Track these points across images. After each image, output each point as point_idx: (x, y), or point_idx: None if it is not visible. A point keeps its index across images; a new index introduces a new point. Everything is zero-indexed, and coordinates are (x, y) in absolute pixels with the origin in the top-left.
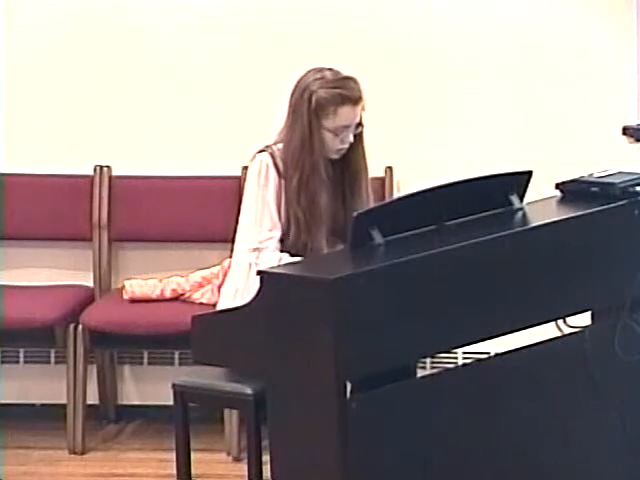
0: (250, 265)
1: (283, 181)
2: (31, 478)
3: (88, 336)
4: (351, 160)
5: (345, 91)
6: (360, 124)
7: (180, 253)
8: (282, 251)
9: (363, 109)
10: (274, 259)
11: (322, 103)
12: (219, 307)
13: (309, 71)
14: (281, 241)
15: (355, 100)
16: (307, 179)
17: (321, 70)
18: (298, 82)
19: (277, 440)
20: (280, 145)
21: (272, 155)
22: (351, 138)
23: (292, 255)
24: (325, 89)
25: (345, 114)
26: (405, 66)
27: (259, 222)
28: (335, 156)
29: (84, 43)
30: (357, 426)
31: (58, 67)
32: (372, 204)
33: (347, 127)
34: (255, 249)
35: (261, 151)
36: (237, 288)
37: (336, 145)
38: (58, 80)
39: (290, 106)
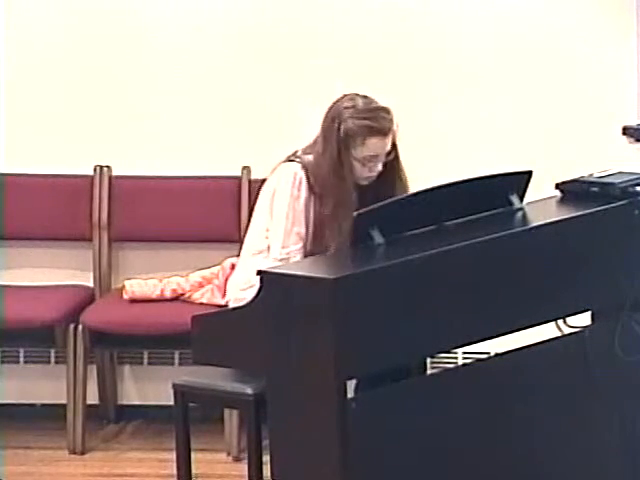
0: None
1: (313, 197)
2: (31, 478)
3: (88, 336)
4: (389, 184)
5: (374, 123)
6: (394, 149)
7: (180, 253)
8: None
9: (395, 138)
10: None
11: (350, 134)
12: (228, 297)
13: (343, 96)
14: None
15: (384, 132)
16: (343, 206)
17: (354, 98)
18: (331, 107)
19: (277, 440)
20: (310, 157)
21: (305, 169)
22: (379, 167)
23: None
24: (354, 119)
25: (373, 145)
26: (405, 66)
27: (287, 234)
28: (364, 182)
29: (84, 43)
30: (357, 426)
31: (58, 67)
32: None
33: (375, 157)
34: (282, 260)
35: (291, 160)
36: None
37: (364, 173)
38: (58, 80)
39: (322, 130)
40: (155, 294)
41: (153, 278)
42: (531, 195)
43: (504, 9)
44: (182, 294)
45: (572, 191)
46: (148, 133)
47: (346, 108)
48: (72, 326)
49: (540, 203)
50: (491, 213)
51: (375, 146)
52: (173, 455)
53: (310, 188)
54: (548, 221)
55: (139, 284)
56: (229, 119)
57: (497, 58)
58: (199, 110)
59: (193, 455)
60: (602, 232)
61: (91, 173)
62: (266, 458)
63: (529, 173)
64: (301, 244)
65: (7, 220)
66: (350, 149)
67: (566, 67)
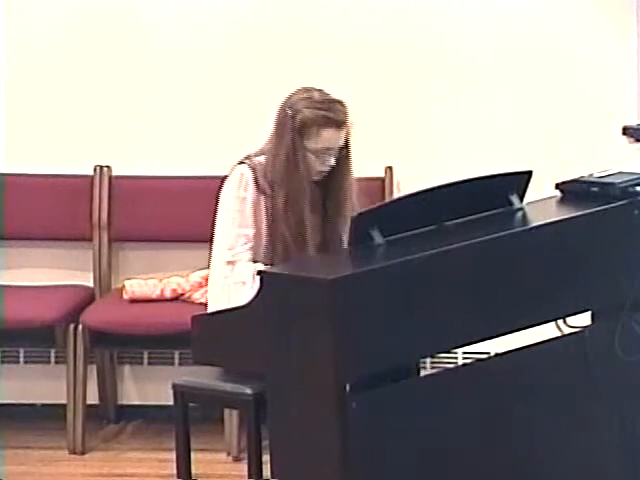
0: (226, 278)
1: (262, 197)
2: (31, 478)
3: (88, 336)
4: (337, 182)
5: (330, 113)
6: (346, 147)
7: (180, 253)
8: (256, 261)
9: (349, 133)
10: (248, 270)
11: (306, 123)
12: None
13: (297, 90)
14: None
15: (339, 124)
16: (295, 198)
17: (309, 90)
18: (285, 100)
19: (277, 440)
20: (262, 158)
21: (253, 169)
22: (332, 161)
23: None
24: (310, 109)
25: (328, 136)
26: (405, 66)
27: (234, 236)
28: (316, 177)
29: (84, 43)
30: (357, 426)
31: (58, 67)
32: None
33: (329, 150)
34: (229, 262)
35: (242, 162)
36: (217, 302)
37: (317, 167)
38: (58, 80)
39: (275, 122)
40: (155, 294)
41: (153, 278)
42: (531, 195)
43: (504, 9)
44: (182, 294)
45: (572, 191)
46: (148, 133)
47: (301, 99)
48: (72, 326)
49: (540, 203)
50: (491, 213)
51: (330, 137)
52: (173, 455)
53: (259, 189)
54: (548, 221)
55: (139, 284)
56: (229, 119)
57: (497, 58)
58: (199, 110)
59: (193, 455)
60: (602, 232)
61: (91, 173)
62: (266, 458)
63: (529, 173)
64: (250, 245)
65: (7, 220)
66: (304, 140)
67: (566, 67)
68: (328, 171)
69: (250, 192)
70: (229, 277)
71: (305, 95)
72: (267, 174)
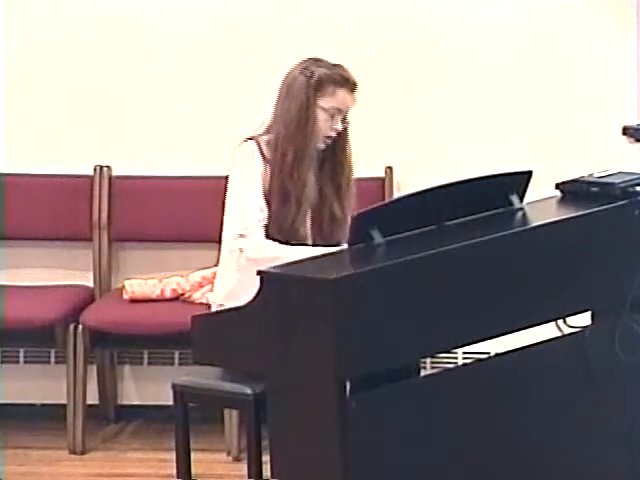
0: (241, 250)
1: (268, 167)
2: (31, 478)
3: (88, 336)
4: (341, 150)
5: (345, 73)
6: (346, 119)
7: (180, 253)
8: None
9: (354, 102)
10: (262, 244)
11: (323, 79)
12: (212, 299)
13: (303, 60)
14: (265, 227)
15: (352, 85)
16: (303, 153)
17: (315, 57)
18: (293, 69)
19: (277, 440)
20: (265, 137)
21: (258, 143)
22: (339, 126)
23: (278, 242)
24: (325, 69)
25: (342, 96)
26: (405, 66)
27: (245, 207)
28: (322, 145)
29: (84, 43)
30: (357, 426)
31: (58, 67)
32: (353, 201)
33: (340, 112)
34: (241, 235)
35: (246, 140)
36: (229, 276)
37: (326, 130)
38: (58, 80)
39: (285, 87)
40: (155, 294)
41: (153, 278)
42: (531, 195)
43: (504, 9)
44: (182, 294)
45: (572, 191)
46: (148, 133)
47: (313, 63)
48: (72, 326)
49: (540, 203)
50: (491, 213)
51: (343, 98)
52: (173, 455)
53: (264, 159)
54: (548, 221)
55: (139, 284)
56: (229, 119)
57: (497, 58)
58: (199, 110)
59: (193, 455)
60: (602, 232)
61: (91, 173)
62: (266, 458)
63: (529, 173)
64: (263, 216)
65: (7, 220)
66: (318, 98)
67: (566, 67)
68: (329, 143)
69: (257, 162)
70: (243, 250)
71: (314, 60)
72: (272, 143)
